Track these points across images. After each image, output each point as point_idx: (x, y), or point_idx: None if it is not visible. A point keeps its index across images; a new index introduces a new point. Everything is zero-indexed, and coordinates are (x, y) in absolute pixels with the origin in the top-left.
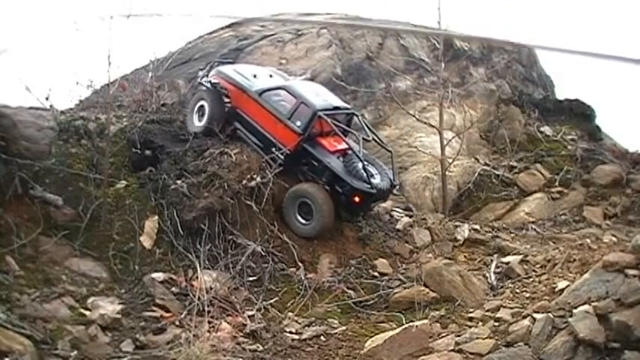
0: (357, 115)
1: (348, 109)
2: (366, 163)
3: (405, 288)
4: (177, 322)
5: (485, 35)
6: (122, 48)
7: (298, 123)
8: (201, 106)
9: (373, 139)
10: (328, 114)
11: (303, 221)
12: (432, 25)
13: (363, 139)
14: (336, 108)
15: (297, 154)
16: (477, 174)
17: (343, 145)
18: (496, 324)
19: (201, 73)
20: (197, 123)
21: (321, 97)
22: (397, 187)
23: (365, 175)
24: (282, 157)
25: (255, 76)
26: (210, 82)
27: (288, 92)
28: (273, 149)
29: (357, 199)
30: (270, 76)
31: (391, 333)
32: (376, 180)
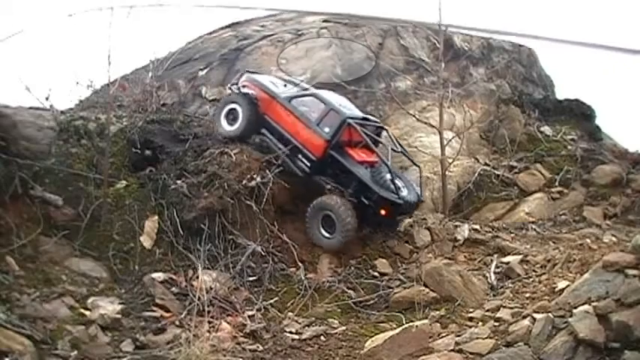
0: (386, 129)
1: (376, 122)
2: (394, 176)
3: (405, 288)
4: (177, 322)
5: (486, 33)
6: (122, 43)
7: (327, 129)
8: (232, 109)
9: (402, 152)
10: (357, 124)
11: (326, 234)
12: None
13: (393, 149)
14: (365, 119)
15: (324, 161)
16: (476, 174)
17: (371, 158)
18: (496, 324)
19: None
20: (227, 127)
21: (348, 108)
22: (423, 202)
23: (393, 186)
24: (308, 163)
25: (285, 85)
26: (240, 87)
27: (317, 99)
28: (300, 156)
29: (383, 211)
30: (284, 85)
31: (391, 333)
32: (404, 192)
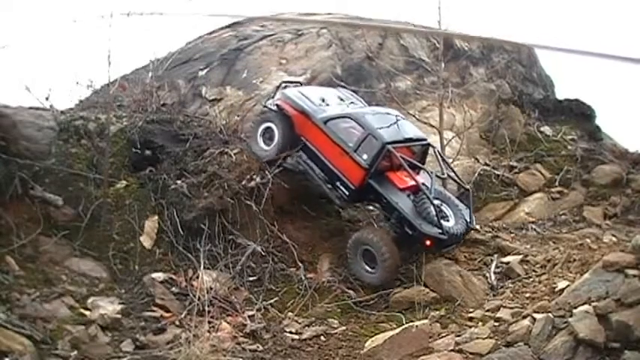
0: (432, 147)
1: (421, 139)
2: (439, 202)
3: (405, 288)
4: (177, 322)
5: (485, 35)
6: (122, 47)
7: (365, 156)
8: (268, 128)
9: (448, 175)
10: (399, 147)
11: (369, 269)
12: (432, 25)
13: (437, 176)
14: (408, 140)
15: (363, 189)
16: (476, 174)
17: (416, 181)
18: (496, 324)
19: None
20: (264, 146)
21: (393, 126)
22: (474, 229)
23: (436, 218)
24: (346, 192)
25: (323, 100)
26: (276, 105)
27: (355, 122)
28: (338, 183)
29: (427, 242)
30: (341, 99)
31: (391, 333)
32: (450, 222)
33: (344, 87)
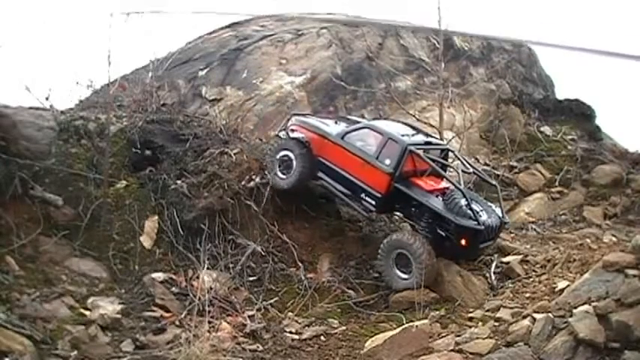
0: (452, 151)
1: (441, 144)
2: (469, 200)
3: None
4: (177, 322)
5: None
6: (122, 47)
7: (387, 161)
8: (285, 157)
9: (474, 172)
10: (420, 150)
11: (403, 275)
12: (432, 24)
13: (463, 171)
14: (428, 143)
15: (391, 196)
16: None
17: (441, 185)
18: (496, 324)
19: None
20: (281, 175)
21: (409, 132)
22: (507, 224)
23: (470, 211)
24: (372, 202)
25: (335, 122)
26: (289, 131)
27: (372, 130)
28: (363, 195)
29: (463, 241)
30: (348, 122)
31: (391, 333)
32: (483, 217)
33: (344, 87)
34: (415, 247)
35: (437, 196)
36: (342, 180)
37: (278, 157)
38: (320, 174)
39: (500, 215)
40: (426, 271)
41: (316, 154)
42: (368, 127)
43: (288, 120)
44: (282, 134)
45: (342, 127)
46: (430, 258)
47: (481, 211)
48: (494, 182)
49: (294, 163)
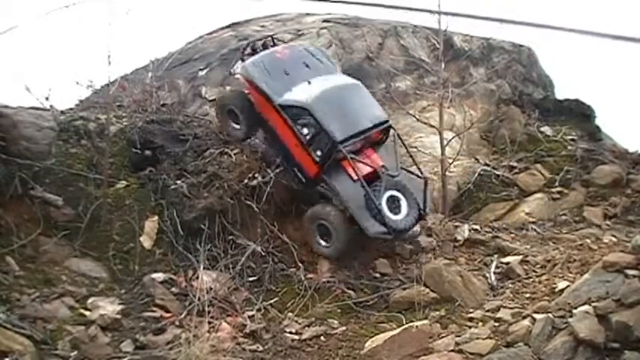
0: (393, 128)
1: (381, 123)
2: (395, 191)
3: (405, 288)
4: (177, 323)
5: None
6: (122, 47)
7: (318, 153)
8: (231, 110)
9: (410, 156)
10: (355, 141)
11: (324, 243)
12: (432, 24)
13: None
14: (367, 130)
15: (318, 180)
16: (477, 174)
17: (378, 162)
18: (496, 324)
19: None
20: (235, 126)
21: (351, 117)
22: (427, 215)
23: (383, 214)
24: (303, 179)
25: (287, 74)
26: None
27: (310, 115)
28: (296, 169)
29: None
30: (307, 65)
31: (391, 333)
32: (399, 216)
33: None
34: (332, 219)
35: (362, 186)
36: (281, 149)
37: (227, 109)
38: (262, 132)
39: (422, 207)
40: (344, 238)
41: (259, 110)
42: (306, 109)
43: (243, 51)
44: (233, 69)
45: (292, 83)
46: (348, 229)
47: (404, 206)
48: (422, 176)
49: (241, 117)
